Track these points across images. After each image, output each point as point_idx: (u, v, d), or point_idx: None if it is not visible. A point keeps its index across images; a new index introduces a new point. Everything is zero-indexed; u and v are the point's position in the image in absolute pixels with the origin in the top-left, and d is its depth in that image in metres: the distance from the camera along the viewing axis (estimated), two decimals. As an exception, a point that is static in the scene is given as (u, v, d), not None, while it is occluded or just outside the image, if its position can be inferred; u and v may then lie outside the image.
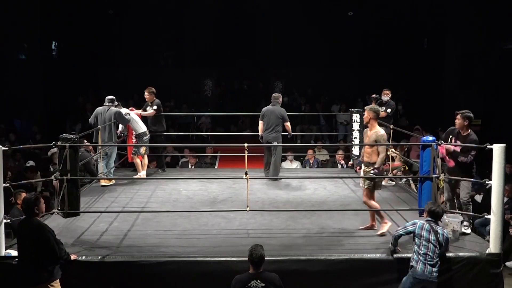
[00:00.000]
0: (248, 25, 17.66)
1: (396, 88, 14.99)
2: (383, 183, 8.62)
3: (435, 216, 5.36)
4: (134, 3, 17.02)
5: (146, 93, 9.55)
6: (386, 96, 9.23)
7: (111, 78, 16.72)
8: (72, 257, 5.23)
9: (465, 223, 6.24)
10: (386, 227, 6.17)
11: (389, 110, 9.13)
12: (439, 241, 5.22)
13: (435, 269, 5.18)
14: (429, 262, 5.18)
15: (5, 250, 5.48)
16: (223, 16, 17.67)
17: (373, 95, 9.42)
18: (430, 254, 5.18)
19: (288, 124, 8.80)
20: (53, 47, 17.68)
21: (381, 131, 6.18)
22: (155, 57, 18.48)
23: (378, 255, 5.53)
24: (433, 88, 16.61)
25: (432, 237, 5.21)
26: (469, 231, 6.27)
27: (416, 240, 5.27)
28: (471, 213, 6.35)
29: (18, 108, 15.14)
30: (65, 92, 15.97)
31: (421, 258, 5.19)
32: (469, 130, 6.38)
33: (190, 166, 10.91)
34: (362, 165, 6.43)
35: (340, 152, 11.08)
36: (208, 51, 17.94)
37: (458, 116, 6.50)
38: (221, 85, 18.02)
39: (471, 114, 6.40)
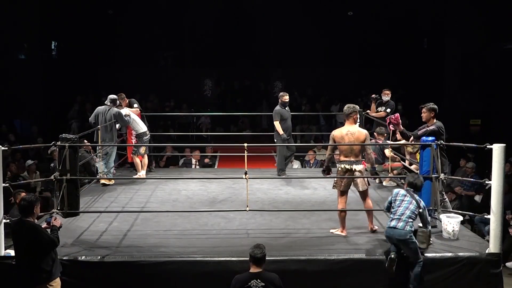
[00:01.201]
0: (248, 25, 17.67)
1: (396, 88, 14.99)
2: (384, 183, 8.62)
3: (414, 187, 5.57)
4: (134, 3, 17.03)
5: (119, 101, 8.89)
6: (386, 96, 9.24)
7: (111, 78, 16.72)
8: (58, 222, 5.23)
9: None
10: (340, 232, 6.13)
11: (388, 110, 9.13)
12: (415, 200, 5.42)
13: (407, 227, 5.31)
14: (397, 217, 5.36)
15: (5, 250, 5.48)
16: (223, 16, 17.68)
17: (373, 95, 9.42)
18: (401, 210, 5.38)
19: (275, 123, 8.90)
20: (53, 47, 17.69)
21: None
22: (155, 57, 18.49)
23: (377, 255, 5.52)
24: (433, 88, 16.61)
25: (407, 199, 5.45)
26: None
27: (392, 204, 5.53)
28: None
29: (18, 108, 15.14)
30: (65, 92, 15.98)
31: (391, 215, 5.45)
32: (434, 120, 6.54)
33: (194, 165, 10.91)
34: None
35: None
36: (208, 51, 17.95)
37: (424, 110, 6.63)
38: (221, 85, 18.02)
39: (435, 106, 6.56)
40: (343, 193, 6.09)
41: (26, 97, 15.29)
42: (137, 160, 8.77)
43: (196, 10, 17.33)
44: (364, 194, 6.14)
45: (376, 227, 6.22)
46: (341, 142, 6.02)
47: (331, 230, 6.22)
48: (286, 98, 9.01)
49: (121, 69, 16.96)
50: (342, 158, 6.07)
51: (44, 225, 5.21)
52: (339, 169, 6.08)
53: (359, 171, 6.00)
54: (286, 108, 9.05)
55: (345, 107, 6.17)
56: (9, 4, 14.79)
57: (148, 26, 17.20)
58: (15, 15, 15.14)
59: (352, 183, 6.04)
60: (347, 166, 6.00)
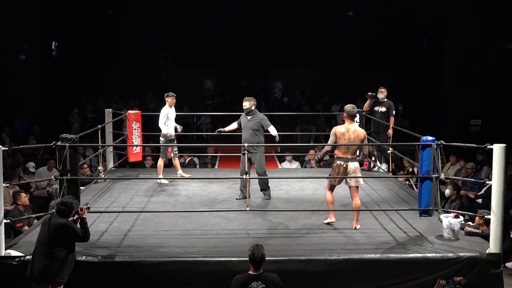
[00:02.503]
0: (248, 25, 17.67)
1: (396, 88, 14.98)
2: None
3: None
4: (134, 3, 17.03)
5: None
6: (381, 93, 9.29)
7: (111, 78, 16.72)
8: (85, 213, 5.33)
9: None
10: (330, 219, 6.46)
11: (394, 112, 9.21)
12: None
13: None
14: None
15: (5, 250, 5.48)
16: (223, 16, 17.67)
17: (369, 93, 9.46)
18: None
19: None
20: (53, 47, 17.69)
21: None
22: (155, 57, 18.48)
23: (378, 255, 5.52)
24: (433, 88, 16.60)
25: None
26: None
27: None
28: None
29: (18, 108, 15.13)
30: (65, 92, 15.97)
31: None
32: None
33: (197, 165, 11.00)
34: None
35: None
36: (208, 51, 17.94)
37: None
38: (222, 85, 18.02)
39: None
40: (333, 186, 6.42)
41: (26, 97, 15.27)
42: (160, 162, 8.53)
43: (196, 10, 17.33)
44: (354, 191, 6.32)
45: (358, 226, 6.31)
46: (341, 138, 6.23)
47: (324, 221, 6.44)
48: (244, 104, 7.55)
49: (121, 69, 16.95)
50: (340, 155, 6.28)
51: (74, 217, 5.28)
52: (335, 164, 6.28)
53: (354, 168, 6.22)
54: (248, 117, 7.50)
55: (350, 108, 6.33)
56: (9, 4, 14.78)
57: (148, 26, 17.19)
58: (15, 15, 15.12)
59: (345, 179, 6.29)
60: (343, 163, 6.22)
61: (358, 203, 6.36)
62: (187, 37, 18.34)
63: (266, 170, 7.64)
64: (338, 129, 6.27)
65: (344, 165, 6.20)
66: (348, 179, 6.25)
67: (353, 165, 6.22)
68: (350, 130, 6.24)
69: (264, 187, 7.58)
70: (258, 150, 7.29)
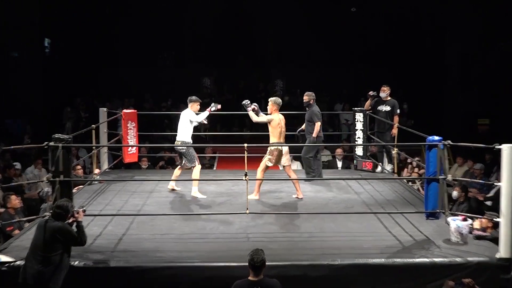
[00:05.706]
0: (248, 24, 17.66)
1: (396, 88, 14.83)
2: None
3: None
4: (133, 3, 16.96)
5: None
6: (383, 92, 9.14)
7: (111, 78, 16.64)
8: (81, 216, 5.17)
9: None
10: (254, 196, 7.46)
11: (398, 111, 9.06)
12: None
13: None
14: None
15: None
16: (223, 15, 17.64)
17: (371, 92, 9.30)
18: None
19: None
20: (47, 45, 17.61)
21: None
22: (155, 57, 18.41)
23: (383, 259, 5.35)
24: (433, 88, 16.55)
25: None
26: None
27: None
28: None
29: (15, 108, 15.03)
30: (64, 92, 15.89)
31: None
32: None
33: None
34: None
35: (339, 150, 10.83)
36: (208, 51, 17.88)
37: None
38: (221, 85, 17.95)
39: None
40: (267, 167, 7.56)
41: (23, 97, 15.17)
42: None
43: (196, 10, 17.30)
44: (289, 169, 7.66)
45: (301, 196, 7.51)
46: (277, 126, 7.38)
47: (249, 196, 6.64)
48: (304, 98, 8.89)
49: (121, 69, 16.89)
50: (276, 141, 7.40)
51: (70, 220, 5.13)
52: (272, 148, 7.39)
53: (286, 150, 7.54)
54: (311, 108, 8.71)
55: (278, 100, 7.54)
56: (8, 4, 14.73)
57: (148, 26, 17.11)
58: (14, 15, 15.08)
59: (280, 160, 7.51)
60: (279, 147, 7.39)
61: (295, 175, 7.84)
62: (187, 37, 18.30)
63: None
64: (274, 118, 7.39)
65: (280, 148, 7.38)
66: (281, 160, 7.48)
67: (286, 148, 7.53)
68: (281, 119, 7.46)
69: (307, 170, 8.65)
70: (308, 137, 8.59)
